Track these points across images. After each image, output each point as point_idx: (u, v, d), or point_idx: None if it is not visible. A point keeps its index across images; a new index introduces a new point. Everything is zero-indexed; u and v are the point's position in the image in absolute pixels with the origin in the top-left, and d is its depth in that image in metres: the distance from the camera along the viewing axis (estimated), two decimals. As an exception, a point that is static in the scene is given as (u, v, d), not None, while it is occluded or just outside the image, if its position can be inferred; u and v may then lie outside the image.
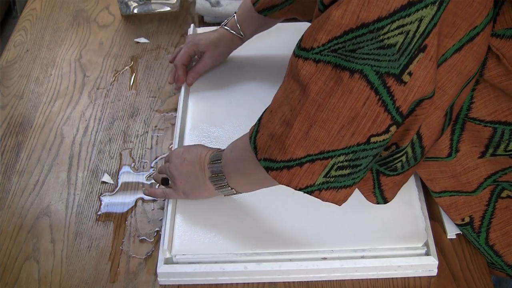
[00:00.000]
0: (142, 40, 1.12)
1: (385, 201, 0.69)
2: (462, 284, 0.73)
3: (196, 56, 0.98)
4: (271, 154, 0.62)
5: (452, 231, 0.77)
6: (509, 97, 0.65)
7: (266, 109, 0.64)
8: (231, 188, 0.73)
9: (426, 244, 0.74)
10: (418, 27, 0.53)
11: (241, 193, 0.75)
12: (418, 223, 0.75)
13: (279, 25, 1.09)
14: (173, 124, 0.94)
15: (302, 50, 0.58)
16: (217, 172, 0.73)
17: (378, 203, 0.70)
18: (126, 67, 1.07)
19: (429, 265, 0.73)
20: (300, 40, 0.59)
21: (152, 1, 1.17)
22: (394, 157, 0.63)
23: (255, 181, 0.71)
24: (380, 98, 0.56)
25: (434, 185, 0.73)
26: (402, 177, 0.67)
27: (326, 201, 0.63)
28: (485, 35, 0.57)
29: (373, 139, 0.58)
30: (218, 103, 0.94)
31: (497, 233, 0.72)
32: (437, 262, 0.72)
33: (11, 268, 0.77)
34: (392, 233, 0.74)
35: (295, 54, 0.59)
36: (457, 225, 0.75)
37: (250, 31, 0.95)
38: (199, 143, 0.83)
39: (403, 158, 0.64)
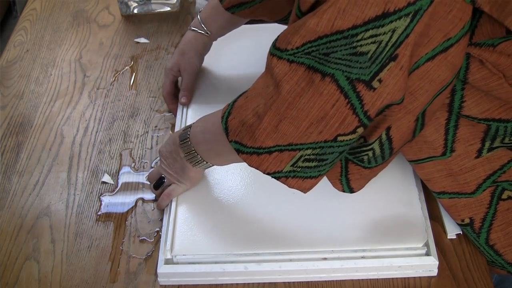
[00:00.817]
0: (142, 40, 1.12)
1: (351, 190, 0.71)
2: (462, 284, 0.73)
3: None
4: (242, 139, 0.64)
5: (452, 231, 0.77)
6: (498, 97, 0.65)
7: (242, 93, 0.66)
8: (207, 162, 0.75)
9: (426, 244, 0.74)
10: (390, 37, 0.54)
11: (218, 166, 0.78)
12: (418, 223, 0.75)
13: (279, 26, 1.09)
14: (173, 124, 0.94)
15: (276, 49, 0.59)
16: (189, 151, 0.75)
17: (344, 191, 0.71)
18: (126, 67, 1.07)
19: (429, 265, 0.73)
20: (276, 40, 0.60)
21: (152, 1, 1.17)
22: (361, 149, 0.65)
23: (229, 159, 0.73)
24: (349, 102, 0.57)
25: (433, 185, 0.74)
26: (369, 172, 0.68)
27: (292, 187, 0.66)
28: (460, 47, 0.57)
29: (340, 138, 0.60)
30: (218, 103, 0.93)
31: (498, 234, 0.72)
32: (437, 262, 0.72)
33: (11, 268, 0.77)
34: (392, 233, 0.74)
35: (270, 52, 0.60)
36: (457, 224, 0.76)
37: (216, 28, 0.94)
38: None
39: (370, 153, 0.65)
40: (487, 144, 0.69)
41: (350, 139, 0.61)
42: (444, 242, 0.77)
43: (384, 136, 0.63)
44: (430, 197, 0.80)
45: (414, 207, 0.77)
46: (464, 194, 0.72)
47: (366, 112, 0.58)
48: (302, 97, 0.58)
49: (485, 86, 0.63)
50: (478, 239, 0.73)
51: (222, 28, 0.94)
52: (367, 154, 0.65)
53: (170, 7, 1.18)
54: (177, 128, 0.90)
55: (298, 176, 0.65)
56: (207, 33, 0.94)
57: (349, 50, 0.55)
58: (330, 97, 0.57)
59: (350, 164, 0.68)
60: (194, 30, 0.94)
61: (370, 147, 0.64)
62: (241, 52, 1.02)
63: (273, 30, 1.06)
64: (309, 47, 0.57)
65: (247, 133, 0.63)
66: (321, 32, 0.55)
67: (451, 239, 0.77)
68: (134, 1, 1.16)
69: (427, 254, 0.73)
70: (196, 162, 0.75)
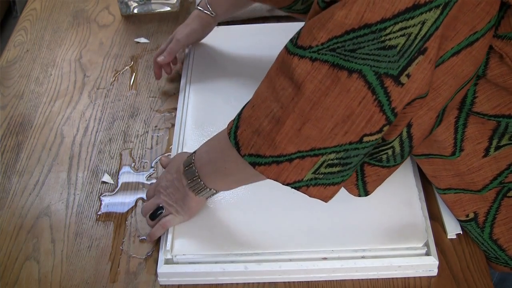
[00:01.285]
0: (142, 40, 1.12)
1: (367, 193, 0.69)
2: (462, 284, 0.73)
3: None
4: (259, 149, 0.61)
5: (452, 231, 0.77)
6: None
7: (246, 104, 0.64)
8: (210, 189, 0.72)
9: (426, 244, 0.74)
10: (420, 29, 0.53)
11: (221, 191, 0.75)
12: (418, 223, 0.75)
13: (280, 26, 1.09)
14: (173, 124, 0.94)
15: (298, 48, 0.57)
16: (192, 177, 0.72)
17: (359, 196, 0.69)
18: (126, 67, 1.07)
19: (429, 265, 0.73)
20: (296, 37, 0.58)
21: (152, 1, 1.17)
22: (380, 149, 0.63)
23: (238, 179, 0.70)
24: (376, 98, 0.56)
25: (439, 182, 0.73)
26: (387, 171, 0.67)
27: (313, 197, 0.63)
28: (485, 41, 0.57)
29: (365, 139, 0.58)
30: (218, 103, 0.94)
31: (501, 228, 0.72)
32: (437, 262, 0.73)
33: (11, 268, 0.77)
34: (392, 233, 0.74)
35: (290, 52, 0.58)
36: (460, 221, 0.76)
37: (222, 10, 0.97)
38: (183, 152, 0.82)
39: (389, 152, 0.64)
40: (494, 142, 0.68)
41: (375, 139, 0.59)
42: (444, 242, 0.77)
43: (405, 134, 0.61)
44: (430, 197, 0.80)
45: (414, 207, 0.77)
46: (470, 191, 0.72)
47: (393, 109, 0.56)
48: (327, 96, 0.56)
49: (503, 82, 0.63)
50: (482, 233, 0.73)
51: (226, 10, 0.98)
52: (386, 153, 0.63)
53: (170, 7, 1.18)
54: (177, 128, 0.90)
55: (320, 183, 0.62)
56: (212, 13, 0.97)
57: (377, 45, 0.53)
58: (358, 94, 0.55)
59: (366, 167, 0.66)
60: (200, 10, 0.97)
61: (390, 145, 0.62)
62: (241, 53, 1.02)
63: (273, 31, 1.06)
64: (334, 43, 0.55)
65: (265, 142, 0.60)
66: (349, 25, 0.54)
67: (451, 239, 0.77)
68: (134, 1, 1.16)
69: (427, 254, 0.73)
70: (199, 190, 0.73)
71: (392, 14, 0.52)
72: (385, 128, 0.58)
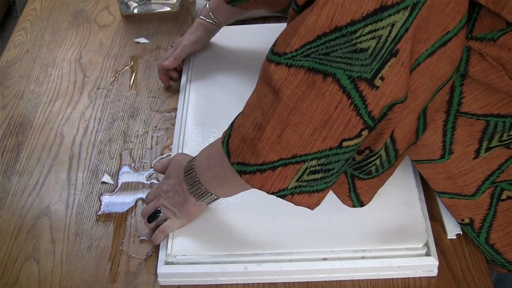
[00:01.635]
0: (142, 40, 1.12)
1: (361, 204, 0.69)
2: (462, 284, 0.73)
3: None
4: (244, 157, 0.62)
5: (452, 231, 0.77)
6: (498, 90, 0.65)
7: (239, 114, 0.65)
8: (211, 194, 0.72)
9: (426, 245, 0.74)
10: (390, 31, 0.53)
11: (222, 197, 0.75)
12: (418, 224, 0.75)
13: (280, 26, 1.09)
14: (173, 124, 0.94)
15: (274, 55, 0.58)
16: (193, 182, 0.72)
17: (354, 207, 0.70)
18: (126, 67, 1.07)
19: (429, 266, 0.73)
20: (274, 45, 0.59)
21: (152, 1, 1.17)
22: (368, 161, 0.64)
23: (234, 185, 0.70)
24: (352, 102, 0.56)
25: (434, 185, 0.74)
26: (377, 180, 0.67)
27: (298, 205, 0.64)
28: (459, 40, 0.57)
29: (345, 143, 0.59)
30: (218, 103, 0.94)
31: (498, 234, 0.72)
32: (437, 263, 0.72)
33: (11, 268, 0.77)
34: (392, 233, 0.74)
35: (268, 59, 0.59)
36: (458, 222, 0.76)
37: (224, 18, 0.99)
38: (182, 153, 0.82)
39: (377, 162, 0.64)
40: (484, 144, 0.69)
41: (355, 144, 0.59)
42: (444, 242, 0.77)
43: (388, 139, 0.62)
44: (430, 197, 0.80)
45: (414, 207, 0.77)
46: (464, 196, 0.72)
47: (370, 112, 0.57)
48: (304, 101, 0.57)
49: (485, 78, 0.63)
50: (478, 238, 0.73)
51: (228, 17, 0.99)
52: (374, 164, 0.64)
53: (170, 7, 1.18)
54: (177, 128, 0.90)
55: (305, 191, 0.62)
56: (215, 22, 0.98)
57: (349, 48, 0.54)
58: (333, 98, 0.56)
59: (357, 181, 0.67)
60: (203, 19, 0.99)
61: (377, 155, 0.63)
62: (241, 53, 1.02)
63: (273, 31, 1.06)
64: (308, 49, 0.56)
65: (249, 150, 0.61)
66: (320, 29, 0.55)
67: (451, 239, 0.77)
68: (134, 1, 1.16)
69: (427, 254, 0.73)
70: (200, 195, 0.73)
71: (361, 16, 0.53)
72: (364, 132, 0.58)
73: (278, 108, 0.58)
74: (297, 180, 0.61)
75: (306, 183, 0.62)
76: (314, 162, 0.60)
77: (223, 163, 0.66)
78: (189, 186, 0.73)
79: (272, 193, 0.63)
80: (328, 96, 0.56)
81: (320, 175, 0.61)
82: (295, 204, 0.64)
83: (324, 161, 0.60)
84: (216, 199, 0.74)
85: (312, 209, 0.64)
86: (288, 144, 0.59)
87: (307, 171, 0.61)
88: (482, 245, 0.74)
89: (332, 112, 0.57)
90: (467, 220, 0.73)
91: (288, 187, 0.62)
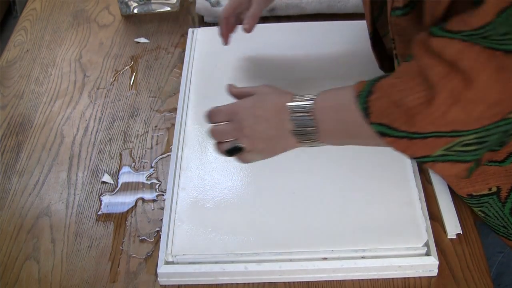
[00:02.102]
0: (142, 40, 1.12)
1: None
2: (462, 284, 0.73)
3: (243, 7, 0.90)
4: (393, 122, 0.57)
5: (452, 231, 0.77)
6: None
7: (384, 75, 0.60)
8: (320, 142, 0.66)
9: (426, 244, 0.74)
10: None
11: (329, 145, 0.68)
12: (418, 223, 0.75)
13: (280, 26, 1.09)
14: (173, 124, 0.94)
15: (447, 31, 0.54)
16: (305, 126, 0.65)
17: (467, 177, 0.65)
18: (126, 67, 1.07)
19: (429, 265, 0.73)
20: (444, 24, 0.55)
21: (152, 1, 1.17)
22: None
23: (358, 141, 0.65)
24: None
25: None
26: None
27: (437, 172, 0.60)
28: None
29: (510, 115, 0.55)
30: (219, 103, 0.94)
31: None
32: (437, 262, 0.73)
33: (11, 268, 0.77)
34: (392, 233, 0.74)
35: (436, 34, 0.55)
36: (480, 196, 0.73)
37: None
38: (272, 86, 0.72)
39: None
40: None
41: None
42: (444, 242, 0.77)
43: None
44: (430, 197, 0.80)
45: (414, 207, 0.77)
46: (494, 162, 0.70)
47: None
48: (482, 74, 0.52)
49: None
50: (503, 209, 0.72)
51: None
52: None
53: (170, 7, 1.18)
54: (177, 128, 0.90)
55: (449, 159, 0.58)
56: None
57: None
58: None
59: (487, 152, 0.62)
60: None
61: None
62: (241, 53, 1.02)
63: (273, 31, 1.06)
64: (487, 30, 0.51)
65: (402, 117, 0.56)
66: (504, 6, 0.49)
67: (451, 239, 0.77)
68: (134, 1, 1.16)
69: (427, 254, 0.73)
70: (307, 139, 0.66)
71: None
72: None
73: (454, 81, 0.53)
74: (446, 149, 0.58)
75: (454, 153, 0.58)
76: (471, 136, 0.56)
77: (355, 118, 0.61)
78: (297, 127, 0.65)
79: (413, 158, 0.59)
80: (509, 70, 0.51)
81: (472, 148, 0.58)
82: (434, 171, 0.60)
83: (483, 134, 0.56)
84: (319, 146, 0.67)
85: (447, 181, 0.60)
86: (452, 121, 0.55)
87: (461, 143, 0.57)
88: (506, 216, 0.73)
89: (510, 89, 0.52)
90: (494, 189, 0.72)
91: (433, 155, 0.58)
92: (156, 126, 0.95)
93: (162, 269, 0.74)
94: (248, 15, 0.87)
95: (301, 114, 0.65)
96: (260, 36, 0.99)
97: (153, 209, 0.83)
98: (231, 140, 0.69)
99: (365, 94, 0.60)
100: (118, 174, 0.88)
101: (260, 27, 1.08)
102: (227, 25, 0.90)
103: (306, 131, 0.65)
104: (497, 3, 0.50)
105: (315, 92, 0.66)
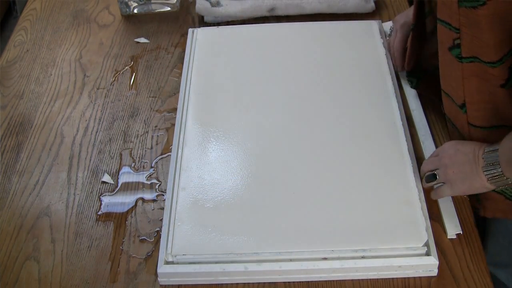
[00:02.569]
0: (142, 40, 1.12)
1: None
2: (462, 284, 0.73)
3: None
4: None
5: (452, 231, 0.77)
6: None
7: None
8: (507, 178, 0.70)
9: (426, 244, 0.74)
10: None
11: None
12: (418, 223, 0.75)
13: (280, 26, 1.09)
14: (173, 124, 0.94)
15: None
16: (492, 162, 0.71)
17: None
18: (126, 67, 1.07)
19: (429, 265, 0.73)
20: None
21: (152, 1, 1.17)
22: None
23: None
24: None
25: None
26: None
27: None
28: None
29: None
30: (218, 103, 0.94)
31: None
32: (437, 262, 0.73)
33: (11, 268, 0.78)
34: (392, 233, 0.74)
35: None
36: (495, 177, 0.73)
37: None
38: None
39: None
40: None
41: None
42: (444, 242, 0.77)
43: None
44: (430, 197, 0.80)
45: (414, 207, 0.77)
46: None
47: None
48: None
49: None
50: None
51: None
52: None
53: (170, 7, 1.18)
54: (177, 128, 0.90)
55: None
56: None
57: None
58: None
59: None
60: None
61: None
62: (241, 53, 1.02)
63: (273, 31, 1.06)
64: None
65: None
66: None
67: (451, 239, 0.77)
68: (134, 1, 1.16)
69: (427, 254, 0.73)
70: (493, 176, 0.71)
71: None
72: None
73: None
74: None
75: None
76: None
77: None
78: (486, 163, 0.71)
79: None
80: None
81: None
82: None
83: None
84: (509, 184, 0.71)
85: None
86: None
87: None
88: None
89: None
90: None
91: None
92: (156, 126, 0.95)
93: (162, 269, 0.74)
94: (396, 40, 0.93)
95: (490, 152, 0.71)
96: (260, 36, 1.00)
97: (153, 209, 0.83)
98: None
99: None
100: (118, 174, 0.89)
101: (260, 27, 1.09)
102: (402, 58, 0.94)
103: (492, 166, 0.71)
104: None
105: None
